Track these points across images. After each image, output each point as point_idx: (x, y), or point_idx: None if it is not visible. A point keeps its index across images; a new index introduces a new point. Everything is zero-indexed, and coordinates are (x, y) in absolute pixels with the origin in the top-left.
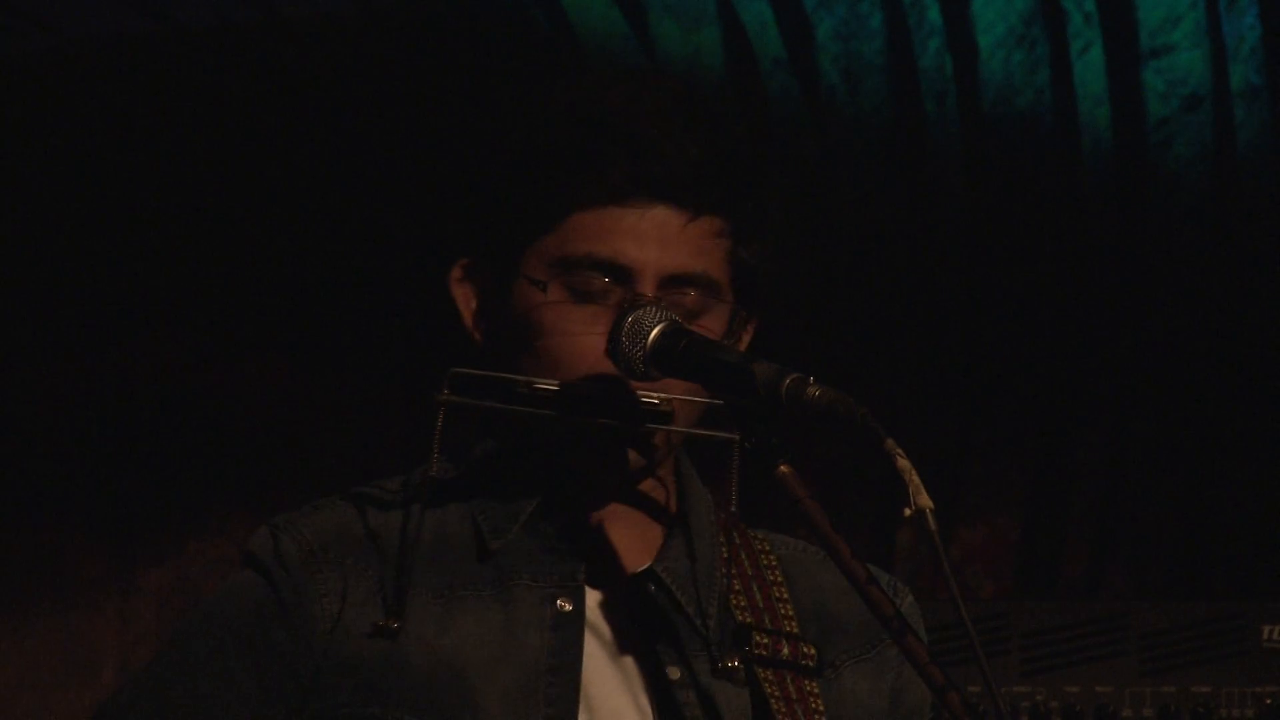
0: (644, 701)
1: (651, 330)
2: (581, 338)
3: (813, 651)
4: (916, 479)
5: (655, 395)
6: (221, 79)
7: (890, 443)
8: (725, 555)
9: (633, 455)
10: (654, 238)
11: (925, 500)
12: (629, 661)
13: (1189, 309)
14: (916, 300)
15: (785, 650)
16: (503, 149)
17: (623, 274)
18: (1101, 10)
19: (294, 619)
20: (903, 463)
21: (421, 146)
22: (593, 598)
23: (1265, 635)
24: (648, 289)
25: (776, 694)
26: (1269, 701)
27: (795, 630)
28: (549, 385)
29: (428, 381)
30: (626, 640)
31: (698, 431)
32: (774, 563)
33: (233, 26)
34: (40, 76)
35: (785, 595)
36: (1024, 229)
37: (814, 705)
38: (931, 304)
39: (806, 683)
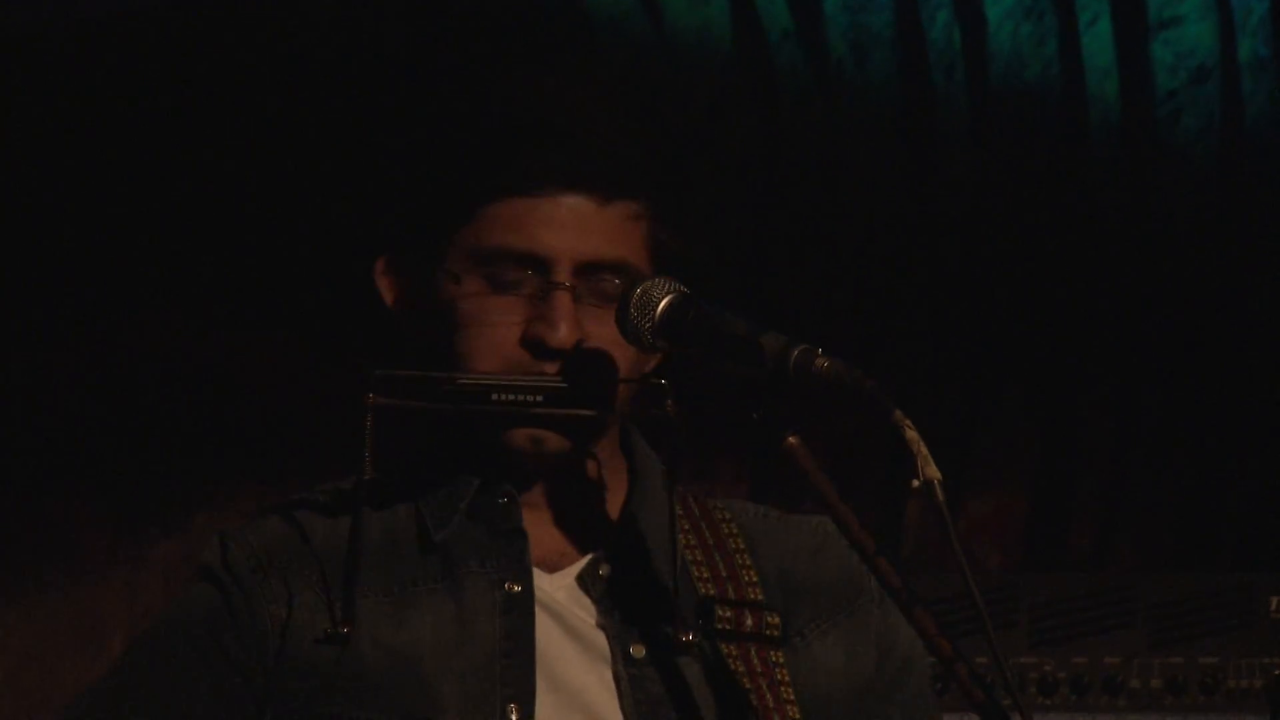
0: (608, 678)
1: (660, 301)
2: (498, 328)
3: (777, 620)
4: (925, 450)
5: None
6: (216, 54)
7: (898, 414)
8: (686, 527)
9: (558, 439)
10: (569, 225)
11: (933, 471)
12: (590, 639)
13: (1197, 282)
14: (925, 274)
15: (749, 621)
16: (420, 142)
17: (538, 263)
18: None
19: (244, 626)
20: (911, 434)
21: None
22: (544, 579)
23: (1273, 606)
24: (564, 277)
25: (741, 668)
26: (1277, 673)
27: (759, 598)
28: (470, 380)
29: (358, 384)
30: (584, 619)
31: (626, 414)
32: (735, 530)
33: (223, 3)
34: (38, 51)
35: (748, 562)
36: (1032, 202)
37: (779, 676)
38: (940, 278)
39: (772, 653)
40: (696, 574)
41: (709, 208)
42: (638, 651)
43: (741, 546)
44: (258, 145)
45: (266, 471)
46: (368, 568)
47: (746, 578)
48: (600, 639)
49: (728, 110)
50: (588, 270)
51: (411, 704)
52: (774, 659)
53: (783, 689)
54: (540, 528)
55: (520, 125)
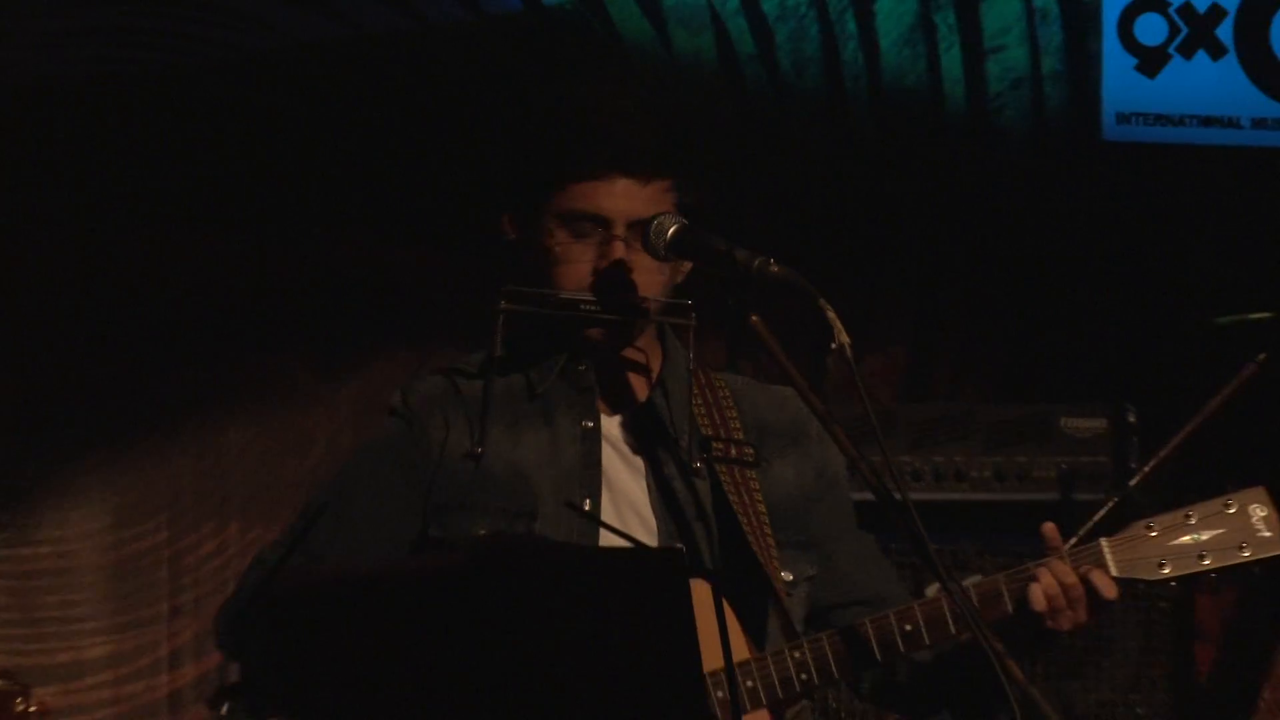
0: (644, 486)
1: (669, 230)
2: (577, 264)
3: (751, 452)
4: (839, 324)
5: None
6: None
7: (822, 301)
8: (697, 391)
9: (615, 334)
10: (621, 196)
11: (845, 337)
12: (633, 461)
13: (1015, 210)
14: (838, 209)
15: (733, 452)
16: (529, 140)
17: (603, 221)
18: (959, 23)
19: (420, 444)
20: (830, 314)
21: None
22: (608, 421)
23: (1062, 424)
24: (619, 231)
25: (729, 481)
26: (1064, 466)
27: (741, 437)
28: (567, 295)
29: (492, 293)
30: (630, 448)
31: (660, 319)
32: (728, 393)
33: (373, 36)
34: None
35: (734, 414)
36: (909, 164)
37: (754, 487)
38: (847, 212)
39: (749, 473)
40: (701, 421)
41: (716, 180)
42: (664, 470)
43: (731, 403)
44: (403, 125)
45: (419, 337)
46: (495, 411)
47: (734, 424)
48: (639, 462)
49: (719, 107)
50: (635, 226)
51: (522, 497)
52: (750, 475)
53: (755, 494)
54: (604, 387)
55: (590, 131)
